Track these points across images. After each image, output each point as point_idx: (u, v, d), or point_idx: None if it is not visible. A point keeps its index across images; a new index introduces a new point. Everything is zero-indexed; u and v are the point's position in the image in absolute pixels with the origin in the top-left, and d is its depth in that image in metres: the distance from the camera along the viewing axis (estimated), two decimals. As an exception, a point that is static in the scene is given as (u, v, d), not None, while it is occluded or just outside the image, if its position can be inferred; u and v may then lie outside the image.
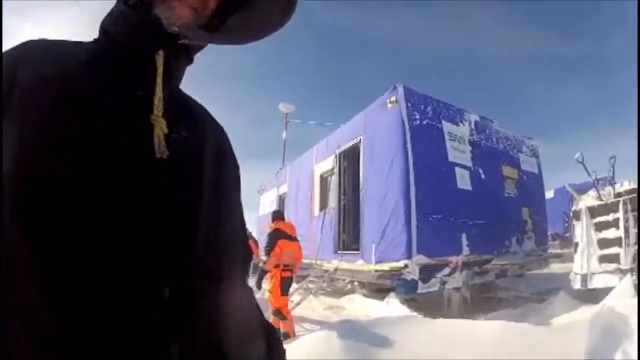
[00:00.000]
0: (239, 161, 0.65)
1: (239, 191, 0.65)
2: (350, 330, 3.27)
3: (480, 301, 6.48)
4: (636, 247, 4.26)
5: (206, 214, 0.52)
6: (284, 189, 10.06)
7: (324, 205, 7.29)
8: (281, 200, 10.32)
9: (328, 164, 7.21)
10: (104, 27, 0.55)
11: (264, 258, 4.77)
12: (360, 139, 6.15)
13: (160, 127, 0.49)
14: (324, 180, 7.52)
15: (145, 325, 0.46)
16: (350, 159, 6.64)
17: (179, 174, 0.51)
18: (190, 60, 0.59)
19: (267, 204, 11.30)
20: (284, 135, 14.19)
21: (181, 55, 0.56)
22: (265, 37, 0.57)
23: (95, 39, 0.56)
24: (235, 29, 0.56)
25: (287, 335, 4.66)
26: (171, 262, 0.48)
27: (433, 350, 2.88)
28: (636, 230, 4.31)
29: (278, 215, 5.22)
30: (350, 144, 6.50)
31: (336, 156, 6.87)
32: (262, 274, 4.83)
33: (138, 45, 0.52)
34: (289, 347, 3.55)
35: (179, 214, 0.49)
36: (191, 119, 0.58)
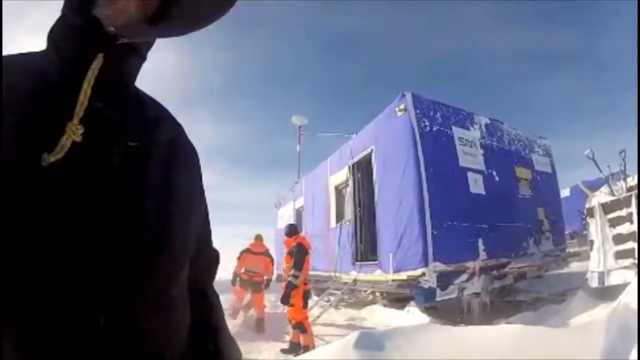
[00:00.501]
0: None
1: (197, 195, 0.62)
2: (366, 341, 3.24)
3: (500, 305, 6.39)
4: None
5: (146, 225, 0.50)
6: (300, 202, 10.07)
7: (340, 217, 7.28)
8: (298, 213, 10.32)
9: (342, 175, 7.22)
10: (50, 33, 0.54)
11: (297, 273, 4.76)
12: (372, 149, 6.15)
13: (70, 135, 0.46)
14: (339, 191, 7.53)
15: (81, 355, 0.45)
16: (363, 170, 6.64)
17: (118, 187, 0.49)
18: (142, 58, 0.56)
19: (285, 218, 11.32)
20: (297, 148, 14.16)
21: (130, 54, 0.53)
22: (210, 23, 0.54)
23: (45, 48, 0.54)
24: (180, 18, 0.53)
25: (307, 348, 4.65)
26: (103, 284, 0.46)
27: (449, 358, 2.85)
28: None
29: (296, 230, 5.23)
30: (362, 154, 6.50)
31: (350, 167, 6.87)
32: (291, 289, 4.76)
33: (76, 51, 0.50)
34: (304, 358, 3.55)
35: (110, 227, 0.47)
36: (145, 126, 0.56)
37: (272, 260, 6.73)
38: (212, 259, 0.69)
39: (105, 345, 0.46)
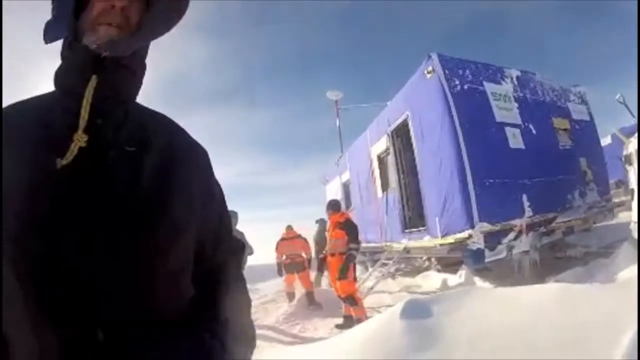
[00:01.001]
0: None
1: (202, 191, 0.67)
2: (413, 308, 3.20)
3: (551, 262, 6.23)
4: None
5: (137, 222, 0.57)
6: (346, 176, 10.06)
7: (385, 185, 7.24)
8: (345, 187, 10.31)
9: (382, 144, 7.15)
10: (55, 74, 0.63)
11: (356, 246, 4.84)
12: (407, 115, 6.04)
13: (77, 142, 0.55)
14: (381, 160, 7.46)
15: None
16: (402, 136, 6.54)
17: (112, 184, 0.56)
18: (134, 74, 0.64)
19: (332, 193, 11.28)
20: (337, 122, 13.89)
21: (122, 73, 0.62)
22: (172, 26, 0.64)
23: None
24: (148, 27, 0.62)
25: (360, 321, 4.68)
26: (102, 297, 0.53)
27: (494, 321, 2.79)
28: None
29: (339, 205, 5.25)
30: (399, 121, 6.40)
31: (388, 135, 6.79)
32: (351, 261, 4.85)
33: (76, 75, 0.59)
34: (352, 331, 3.58)
35: (104, 225, 0.54)
36: (142, 133, 0.63)
37: (305, 240, 7.12)
38: (233, 249, 0.73)
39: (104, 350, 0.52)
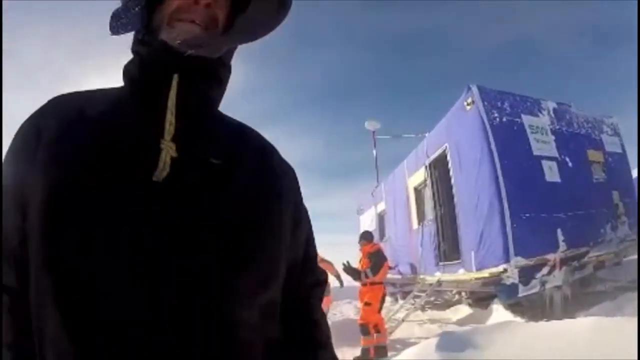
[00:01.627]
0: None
1: (290, 213, 0.60)
2: (448, 341, 3.23)
3: (581, 297, 6.11)
4: None
5: (227, 239, 0.50)
6: (381, 206, 10.05)
7: (421, 217, 7.22)
8: (380, 217, 10.29)
9: (420, 175, 7.15)
10: (125, 70, 0.57)
11: (370, 274, 4.90)
12: (446, 147, 6.04)
13: (167, 152, 0.49)
14: (418, 192, 7.46)
15: None
16: (440, 168, 6.53)
17: (197, 201, 0.50)
18: (219, 81, 0.57)
19: (367, 223, 11.30)
20: (374, 152, 13.83)
21: (203, 75, 0.55)
22: (264, 34, 0.57)
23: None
24: (239, 30, 0.55)
25: (385, 349, 4.67)
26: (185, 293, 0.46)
27: (528, 355, 2.79)
28: None
29: (372, 237, 5.36)
30: (437, 152, 6.41)
31: (426, 167, 6.79)
32: (356, 278, 5.08)
33: (155, 73, 0.53)
34: None
35: (195, 240, 0.49)
36: (228, 145, 0.57)
37: (330, 263, 6.93)
38: (317, 277, 0.67)
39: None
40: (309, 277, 0.64)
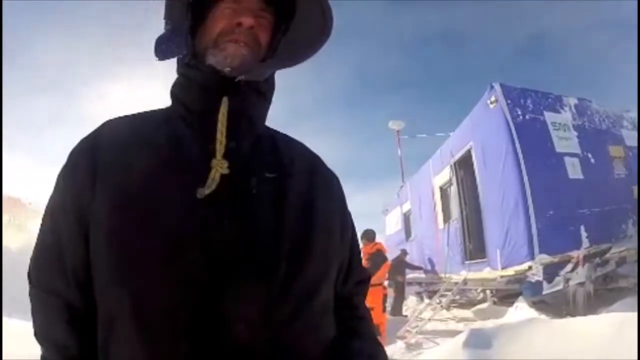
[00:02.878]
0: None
1: (338, 220, 0.63)
2: (474, 339, 3.26)
3: (603, 293, 6.09)
4: None
5: (283, 249, 0.53)
6: (407, 206, 10.06)
7: (447, 217, 7.23)
8: (406, 217, 10.29)
9: (445, 175, 7.16)
10: (172, 92, 0.60)
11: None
12: (471, 145, 6.04)
13: (217, 169, 0.51)
14: (444, 191, 7.47)
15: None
16: (465, 167, 6.54)
17: (258, 213, 0.52)
18: (265, 98, 0.59)
19: (393, 223, 11.38)
20: (399, 152, 13.93)
21: (252, 96, 0.57)
22: (310, 56, 0.59)
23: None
24: (285, 54, 0.58)
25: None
26: (242, 299, 0.48)
27: (554, 351, 2.83)
28: None
29: (374, 235, 5.31)
30: (462, 151, 6.42)
31: (452, 166, 6.80)
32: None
33: (205, 97, 0.55)
34: None
35: (251, 249, 0.51)
36: (279, 159, 0.59)
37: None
38: (361, 278, 0.69)
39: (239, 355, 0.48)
40: (355, 276, 0.67)
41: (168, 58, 0.58)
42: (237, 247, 0.50)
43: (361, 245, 5.20)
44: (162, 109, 0.61)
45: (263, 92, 0.59)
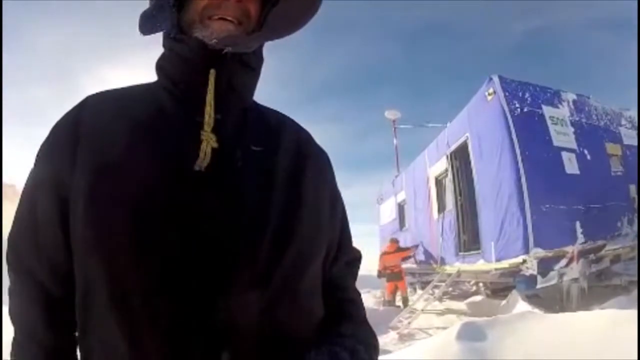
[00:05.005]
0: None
1: (327, 197, 0.62)
2: (468, 331, 3.26)
3: (597, 290, 6.12)
4: None
5: (271, 221, 0.52)
6: (401, 196, 10.08)
7: (442, 207, 7.24)
8: (400, 207, 10.32)
9: (441, 165, 7.16)
10: (158, 65, 0.59)
11: None
12: (467, 137, 6.03)
13: (208, 142, 0.50)
14: (439, 182, 7.47)
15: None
16: (461, 158, 6.53)
17: (243, 186, 0.52)
18: (253, 71, 0.58)
19: (387, 213, 11.36)
20: (394, 142, 13.81)
21: (239, 68, 0.56)
22: (299, 28, 0.57)
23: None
24: (274, 26, 0.56)
25: None
26: (230, 273, 0.47)
27: (548, 346, 2.84)
28: None
29: None
30: (458, 142, 6.40)
31: (447, 157, 6.79)
32: None
33: (191, 70, 0.54)
34: (407, 352, 3.58)
35: (238, 224, 0.50)
36: (266, 133, 0.59)
37: (407, 250, 7.96)
38: (352, 257, 0.68)
39: (223, 332, 0.47)
40: (345, 255, 0.66)
41: (152, 33, 0.56)
42: (219, 222, 0.49)
43: None
44: (147, 84, 0.60)
45: (251, 65, 0.58)
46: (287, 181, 0.55)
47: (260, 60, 0.60)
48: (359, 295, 0.68)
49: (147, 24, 0.56)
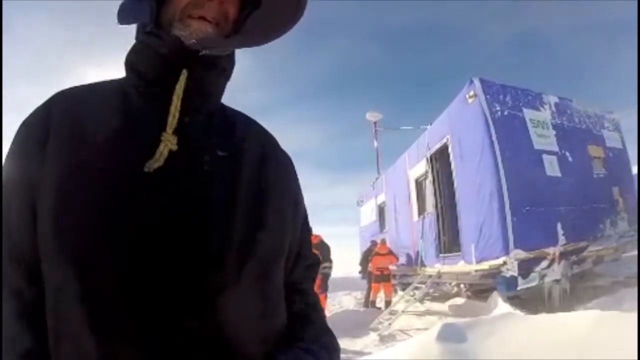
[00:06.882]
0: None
1: (291, 201, 0.62)
2: (448, 333, 3.25)
3: (579, 291, 6.16)
4: None
5: (236, 226, 0.52)
6: (382, 198, 10.14)
7: (422, 209, 7.29)
8: (380, 209, 10.38)
9: (421, 167, 7.22)
10: (128, 60, 0.57)
11: (330, 264, 5.45)
12: (447, 139, 6.07)
13: (166, 144, 0.50)
14: (419, 184, 7.53)
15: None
16: (441, 160, 6.58)
17: (209, 190, 0.51)
18: (225, 75, 0.58)
19: (367, 215, 11.43)
20: (375, 144, 14.00)
21: (212, 70, 0.55)
22: (279, 36, 0.56)
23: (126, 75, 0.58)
24: (252, 32, 0.56)
25: None
26: (193, 278, 0.47)
27: (529, 348, 2.83)
28: None
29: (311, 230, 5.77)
30: (439, 145, 6.45)
31: (428, 159, 6.85)
32: (328, 278, 5.60)
33: (163, 67, 0.53)
34: (388, 352, 3.58)
35: (204, 227, 0.50)
36: (233, 136, 0.58)
37: (396, 257, 7.93)
38: (312, 261, 0.68)
39: (191, 338, 0.47)
40: (305, 259, 0.66)
41: (130, 23, 0.55)
42: (183, 227, 0.48)
43: None
44: (116, 79, 0.59)
45: (223, 68, 0.57)
46: (252, 187, 0.55)
47: (232, 63, 0.59)
48: (318, 298, 0.69)
49: (125, 13, 0.55)
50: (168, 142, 0.50)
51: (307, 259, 0.66)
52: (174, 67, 0.52)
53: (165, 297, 0.46)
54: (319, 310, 0.66)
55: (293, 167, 0.67)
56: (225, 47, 0.55)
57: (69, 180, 0.48)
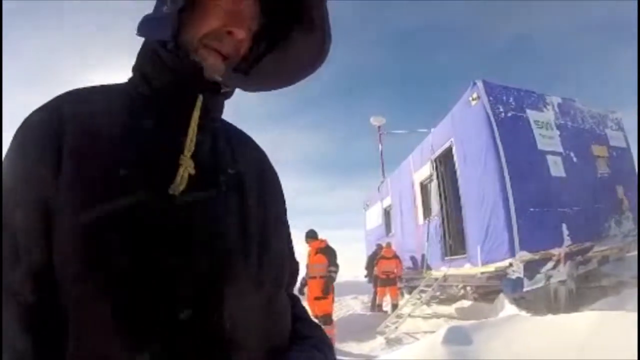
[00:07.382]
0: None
1: (283, 211, 0.64)
2: (454, 335, 3.25)
3: (585, 291, 6.14)
4: None
5: (252, 246, 0.52)
6: (387, 201, 10.17)
7: (427, 212, 7.29)
8: (386, 213, 10.41)
9: (426, 170, 7.22)
10: (141, 69, 0.56)
11: (336, 269, 5.37)
12: (451, 142, 6.07)
13: (186, 168, 0.50)
14: (424, 187, 7.54)
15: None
16: (446, 163, 6.58)
17: (222, 210, 0.51)
18: (229, 95, 0.59)
19: (373, 218, 11.49)
20: (379, 148, 14.10)
21: (221, 95, 0.56)
22: (296, 82, 0.56)
23: (129, 80, 0.57)
24: (268, 73, 0.56)
25: (332, 340, 4.87)
26: (216, 302, 0.47)
27: (535, 349, 2.82)
28: None
29: (317, 234, 5.67)
30: (443, 148, 6.45)
31: (432, 162, 6.85)
32: (332, 282, 5.35)
33: (179, 89, 0.53)
34: (394, 355, 3.58)
35: (224, 251, 0.50)
36: (235, 154, 0.58)
37: (400, 261, 7.96)
38: (294, 270, 0.69)
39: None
40: (290, 267, 0.66)
41: (151, 38, 0.55)
42: (208, 249, 0.49)
43: (307, 244, 5.48)
44: (122, 85, 0.58)
45: (231, 92, 0.59)
46: (256, 202, 0.56)
47: (235, 88, 0.60)
48: (299, 299, 0.71)
49: (147, 27, 0.54)
50: (188, 167, 0.50)
51: (291, 266, 0.68)
52: (190, 90, 0.53)
53: (188, 312, 0.46)
54: (304, 308, 0.69)
55: (279, 180, 0.69)
56: (243, 86, 0.56)
57: (89, 201, 0.47)
